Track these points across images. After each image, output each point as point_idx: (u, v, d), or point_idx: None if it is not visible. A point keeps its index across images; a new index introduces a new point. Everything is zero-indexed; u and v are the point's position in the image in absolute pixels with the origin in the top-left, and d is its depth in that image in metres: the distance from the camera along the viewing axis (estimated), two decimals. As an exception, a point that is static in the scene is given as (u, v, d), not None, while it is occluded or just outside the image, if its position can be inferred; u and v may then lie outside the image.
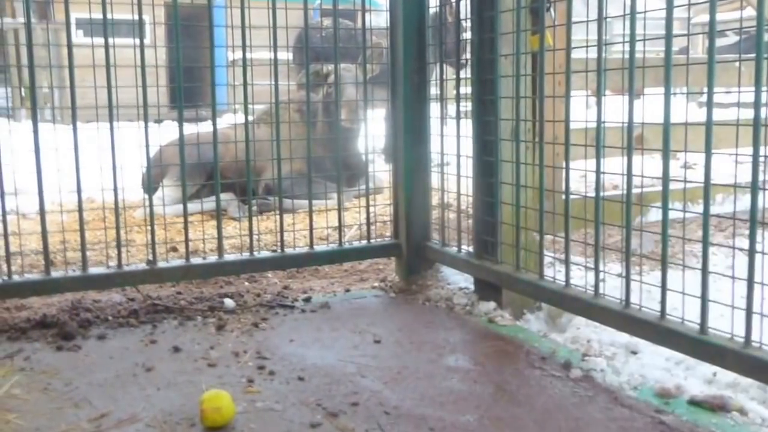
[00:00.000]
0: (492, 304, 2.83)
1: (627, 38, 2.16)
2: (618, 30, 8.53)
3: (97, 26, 2.70)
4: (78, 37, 3.13)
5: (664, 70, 2.05)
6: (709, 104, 1.95)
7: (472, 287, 3.02)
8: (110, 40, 2.72)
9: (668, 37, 2.06)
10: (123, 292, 3.11)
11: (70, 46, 2.72)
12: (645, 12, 2.18)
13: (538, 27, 2.60)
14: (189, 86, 2.92)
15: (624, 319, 2.23)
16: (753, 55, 1.90)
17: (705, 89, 1.96)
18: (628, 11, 2.15)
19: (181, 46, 2.83)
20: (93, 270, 2.87)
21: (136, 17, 2.76)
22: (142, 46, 2.76)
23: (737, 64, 2.25)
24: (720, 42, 8.84)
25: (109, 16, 2.72)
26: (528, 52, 2.70)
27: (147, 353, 2.44)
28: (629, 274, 2.23)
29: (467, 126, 2.93)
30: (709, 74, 1.95)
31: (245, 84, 2.97)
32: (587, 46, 2.49)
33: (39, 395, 2.10)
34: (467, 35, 2.93)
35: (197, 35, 3.31)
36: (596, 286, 2.38)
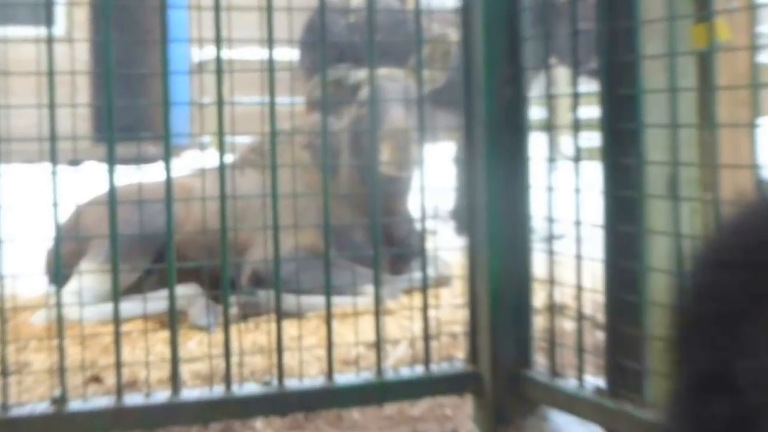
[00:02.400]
0: (637, 476, 2.84)
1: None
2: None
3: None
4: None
5: None
6: None
7: (604, 447, 3.06)
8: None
9: None
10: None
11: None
12: None
13: (705, 11, 2.57)
14: (126, 106, 2.90)
15: None
16: None
17: None
18: None
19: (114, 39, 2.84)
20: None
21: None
22: (50, 40, 2.74)
23: None
24: None
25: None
26: (690, 52, 2.63)
27: None
28: None
29: (593, 173, 2.86)
30: None
31: (220, 102, 2.92)
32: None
33: None
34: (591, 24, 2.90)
35: (139, 24, 3.50)
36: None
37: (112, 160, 2.92)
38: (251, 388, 3.04)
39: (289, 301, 4.25)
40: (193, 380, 3.40)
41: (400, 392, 3.26)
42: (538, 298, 3.23)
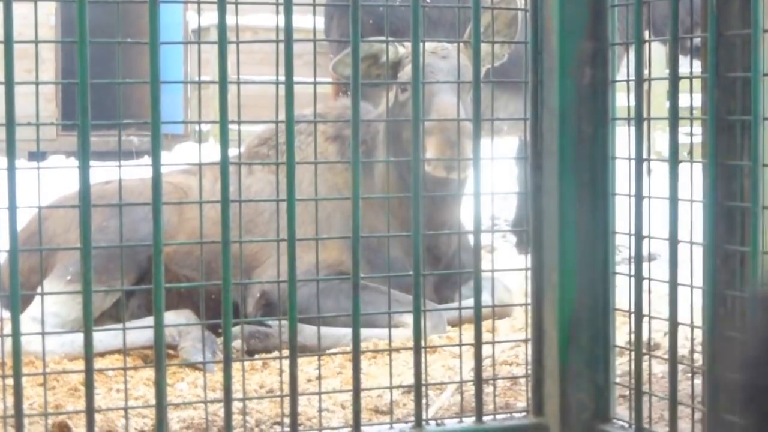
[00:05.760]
0: None
1: None
2: None
3: None
4: None
5: None
6: None
7: None
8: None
9: None
10: None
11: None
12: None
13: None
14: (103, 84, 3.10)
15: None
16: None
17: None
18: None
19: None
20: None
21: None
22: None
23: None
24: None
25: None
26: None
27: None
28: None
29: (694, 177, 3.01)
30: None
31: (222, 80, 2.91)
32: None
33: None
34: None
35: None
36: None
37: (84, 153, 2.90)
38: (257, 440, 3.05)
39: (307, 333, 4.34)
40: (184, 430, 3.44)
41: (443, 451, 3.19)
42: (621, 334, 3.32)
